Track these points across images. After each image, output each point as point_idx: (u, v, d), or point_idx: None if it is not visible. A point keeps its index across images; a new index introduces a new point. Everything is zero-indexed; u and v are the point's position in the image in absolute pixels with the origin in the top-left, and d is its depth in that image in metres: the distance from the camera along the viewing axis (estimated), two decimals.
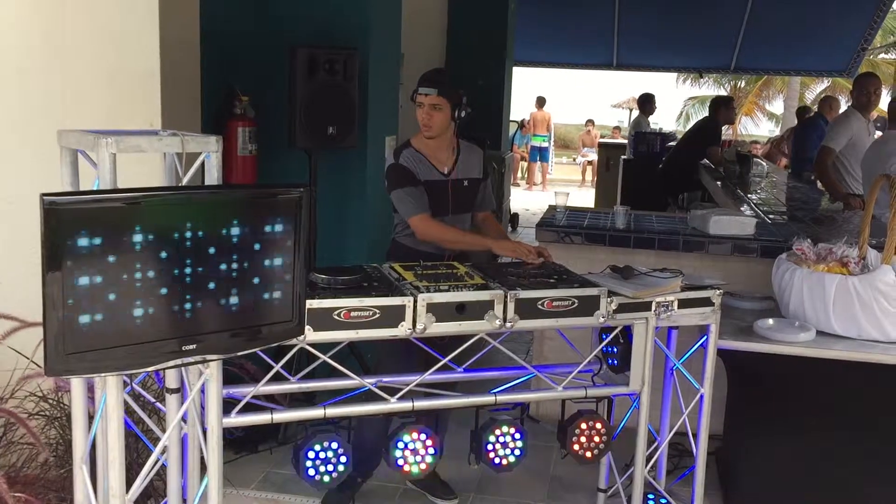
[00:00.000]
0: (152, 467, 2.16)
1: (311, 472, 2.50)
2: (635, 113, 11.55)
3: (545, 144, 15.63)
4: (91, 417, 2.13)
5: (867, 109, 5.93)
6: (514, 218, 9.86)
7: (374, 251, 3.97)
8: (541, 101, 15.94)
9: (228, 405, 2.36)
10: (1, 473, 2.34)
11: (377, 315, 2.40)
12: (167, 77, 3.16)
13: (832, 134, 5.88)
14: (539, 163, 15.73)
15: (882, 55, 19.60)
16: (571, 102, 26.39)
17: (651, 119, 11.17)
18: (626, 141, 11.77)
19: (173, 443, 2.27)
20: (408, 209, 3.15)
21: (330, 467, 2.52)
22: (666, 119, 11.62)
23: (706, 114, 8.31)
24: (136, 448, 2.75)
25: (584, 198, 12.61)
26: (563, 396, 2.79)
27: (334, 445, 2.51)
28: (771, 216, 4.87)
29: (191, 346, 1.94)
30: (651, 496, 3.16)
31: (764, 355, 3.01)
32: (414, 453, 2.66)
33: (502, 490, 3.55)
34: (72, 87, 3.21)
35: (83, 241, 1.74)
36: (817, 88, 21.21)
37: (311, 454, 2.49)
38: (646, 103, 10.85)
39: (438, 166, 3.26)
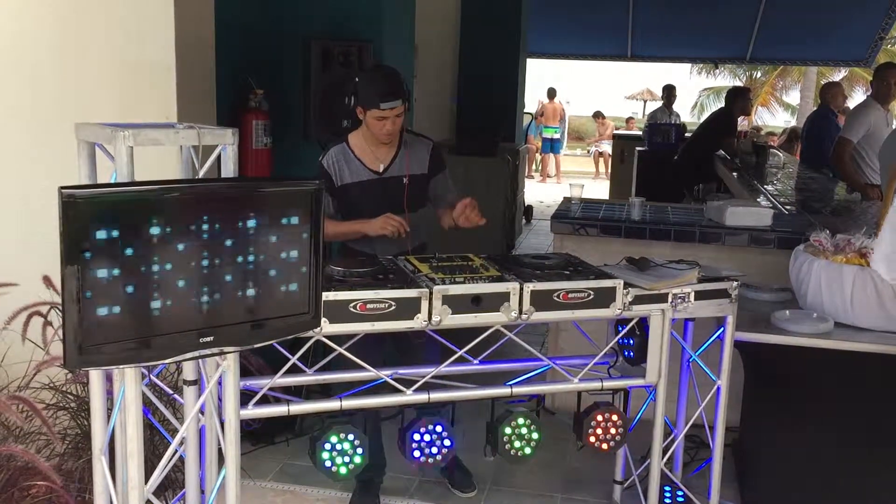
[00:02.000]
0: (170, 459, 2.18)
1: (328, 463, 2.51)
2: (651, 104, 11.50)
3: (556, 136, 15.58)
4: (109, 409, 2.15)
5: (887, 101, 5.86)
6: (529, 210, 9.84)
7: None
8: (551, 93, 15.86)
9: (245, 397, 2.37)
10: (26, 448, 2.36)
11: (393, 307, 2.40)
12: (182, 70, 3.17)
13: (850, 125, 5.82)
14: (552, 155, 15.68)
15: None
16: (585, 94, 26.29)
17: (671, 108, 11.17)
18: (640, 132, 11.72)
19: (191, 434, 2.28)
20: None
21: (346, 458, 2.52)
22: (681, 110, 11.54)
23: (722, 105, 8.26)
24: (153, 440, 2.77)
25: (599, 189, 12.56)
26: (579, 388, 2.79)
27: (351, 437, 2.52)
28: (788, 207, 4.83)
29: (208, 339, 1.95)
30: (668, 488, 3.15)
31: (781, 347, 2.99)
32: (430, 445, 2.67)
33: (518, 482, 3.55)
34: (87, 80, 3.23)
35: (101, 234, 1.74)
36: (835, 78, 20.99)
37: (328, 446, 2.50)
38: (667, 94, 10.84)
39: (372, 165, 3.16)
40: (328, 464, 2.51)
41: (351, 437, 2.52)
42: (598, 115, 17.69)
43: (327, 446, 2.50)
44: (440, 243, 3.18)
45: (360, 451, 2.53)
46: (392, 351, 3.13)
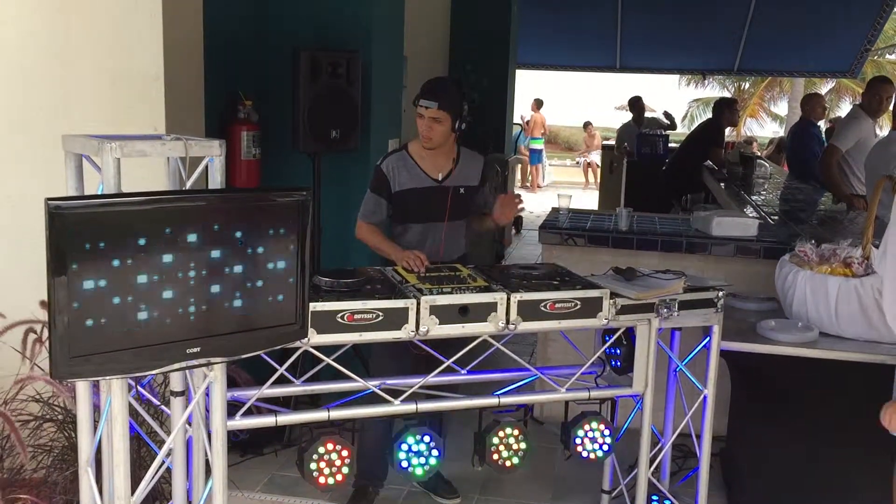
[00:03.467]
0: (157, 470, 2.18)
1: (317, 474, 2.51)
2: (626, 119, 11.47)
3: (540, 147, 15.63)
4: (96, 421, 2.15)
5: (877, 114, 5.90)
6: (518, 221, 9.86)
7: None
8: (538, 103, 15.89)
9: (233, 408, 2.37)
10: None
11: (380, 317, 2.41)
12: (171, 81, 3.17)
13: (841, 133, 5.85)
14: (538, 165, 15.71)
15: (887, 55, 19.56)
16: (574, 104, 26.39)
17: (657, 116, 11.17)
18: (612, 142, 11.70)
19: (178, 445, 2.28)
20: (362, 210, 3.29)
21: (335, 469, 2.52)
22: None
23: (710, 115, 8.31)
24: (139, 451, 2.76)
25: (588, 200, 12.60)
26: (566, 398, 2.80)
27: (339, 448, 2.52)
28: (774, 217, 4.86)
29: (195, 349, 1.95)
30: (655, 497, 3.16)
31: (767, 356, 3.01)
32: (418, 455, 2.67)
33: (506, 491, 3.56)
34: (75, 90, 3.23)
35: (88, 246, 1.75)
36: (822, 89, 21.16)
37: (316, 457, 2.50)
38: (634, 107, 10.83)
39: (432, 173, 3.26)
40: (317, 474, 2.51)
41: (339, 447, 2.52)
42: (587, 126, 17.66)
43: (315, 457, 2.50)
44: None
45: (348, 461, 2.53)
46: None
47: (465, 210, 3.35)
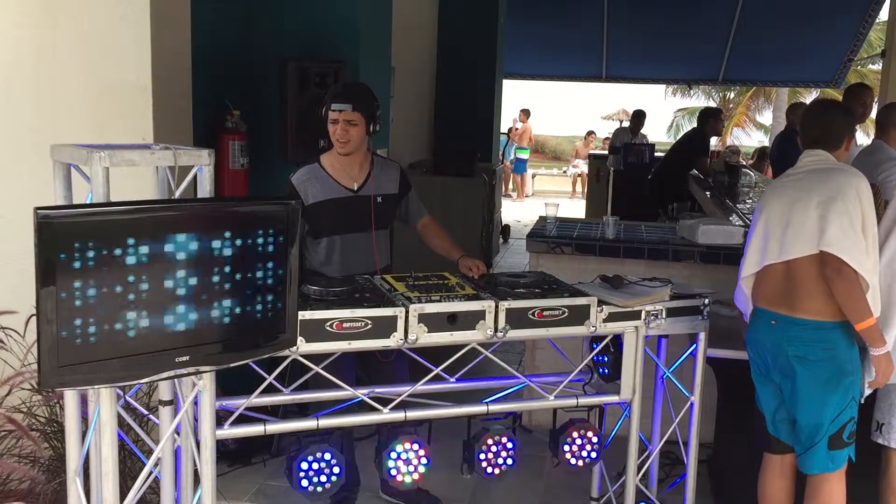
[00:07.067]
0: (145, 480, 2.17)
1: (305, 483, 2.51)
2: (626, 124, 11.53)
3: (526, 156, 15.68)
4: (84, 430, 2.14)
5: (861, 120, 5.96)
6: (506, 229, 9.89)
7: None
8: (526, 114, 15.96)
9: (221, 417, 2.37)
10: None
11: (369, 326, 2.42)
12: (159, 91, 3.18)
13: None
14: (524, 174, 15.76)
15: (870, 65, 19.75)
16: (561, 114, 26.53)
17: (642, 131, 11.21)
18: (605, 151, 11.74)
19: (167, 455, 2.28)
20: None
21: (323, 478, 2.52)
22: (656, 131, 11.64)
23: (695, 125, 8.37)
24: (125, 461, 2.75)
25: (575, 209, 12.65)
26: (554, 405, 2.81)
27: (327, 456, 2.52)
28: None
29: (184, 358, 1.95)
30: None
31: None
32: (407, 463, 2.67)
33: (495, 499, 3.56)
34: (63, 101, 3.23)
35: (77, 255, 1.75)
36: (807, 99, 21.34)
37: (305, 465, 2.50)
38: (638, 119, 10.85)
39: (346, 183, 3.20)
40: (305, 483, 2.51)
41: (327, 455, 2.52)
42: (589, 134, 17.59)
43: (304, 466, 2.50)
44: (422, 263, 3.20)
45: (336, 469, 2.53)
46: (360, 372, 3.14)
47: (385, 219, 3.29)
